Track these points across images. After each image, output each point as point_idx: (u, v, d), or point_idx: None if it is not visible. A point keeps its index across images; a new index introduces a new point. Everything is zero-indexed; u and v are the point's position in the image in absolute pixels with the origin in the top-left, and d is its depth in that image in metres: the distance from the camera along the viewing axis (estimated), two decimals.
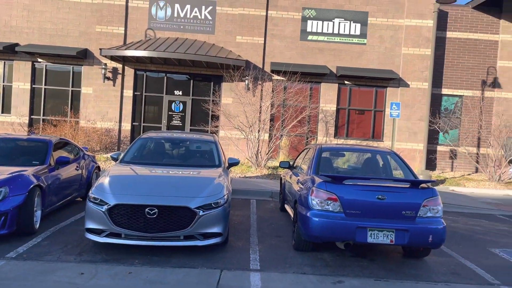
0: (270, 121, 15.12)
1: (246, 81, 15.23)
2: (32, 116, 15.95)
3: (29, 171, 5.86)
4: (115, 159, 6.65)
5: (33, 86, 15.91)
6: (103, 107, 15.74)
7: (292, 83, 14.60)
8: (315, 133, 16.11)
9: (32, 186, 5.59)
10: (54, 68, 16.02)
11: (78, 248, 5.29)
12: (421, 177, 12.38)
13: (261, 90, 15.57)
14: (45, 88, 15.98)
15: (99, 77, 15.67)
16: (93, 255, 5.06)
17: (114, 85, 15.82)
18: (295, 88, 14.75)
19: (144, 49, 14.23)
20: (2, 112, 15.97)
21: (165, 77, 16.12)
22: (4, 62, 15.89)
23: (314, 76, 15.69)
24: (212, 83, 16.09)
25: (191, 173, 6.06)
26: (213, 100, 15.40)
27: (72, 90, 16.01)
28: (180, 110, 16.11)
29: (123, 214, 4.98)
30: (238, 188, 9.96)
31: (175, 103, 16.10)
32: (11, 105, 15.87)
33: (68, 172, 7.09)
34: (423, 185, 5.34)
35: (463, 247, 6.46)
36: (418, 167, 14.43)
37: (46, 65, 15.90)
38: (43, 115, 15.88)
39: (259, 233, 6.55)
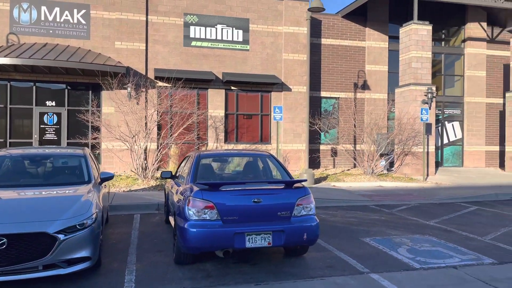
0: (157, 130, 14.57)
1: (128, 89, 14.45)
2: None
3: None
4: None
5: None
6: None
7: (177, 89, 14.26)
8: (205, 139, 15.97)
9: None
10: None
11: None
12: (304, 176, 13.01)
13: (145, 97, 14.94)
14: None
15: None
16: None
17: None
18: (181, 95, 14.44)
19: (5, 56, 12.62)
20: None
21: (34, 87, 14.52)
22: None
23: (200, 82, 15.56)
24: (90, 91, 14.95)
25: (53, 192, 5.40)
26: (92, 110, 14.27)
27: None
28: (54, 122, 14.64)
29: None
30: (120, 203, 9.32)
31: (47, 115, 14.58)
32: None
33: None
34: (297, 184, 5.50)
35: (339, 240, 6.83)
36: (303, 166, 15.19)
37: None
38: None
39: (138, 251, 6.12)
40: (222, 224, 4.92)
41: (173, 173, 7.40)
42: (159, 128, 14.78)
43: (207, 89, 15.96)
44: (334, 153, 17.81)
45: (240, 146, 16.24)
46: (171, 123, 14.37)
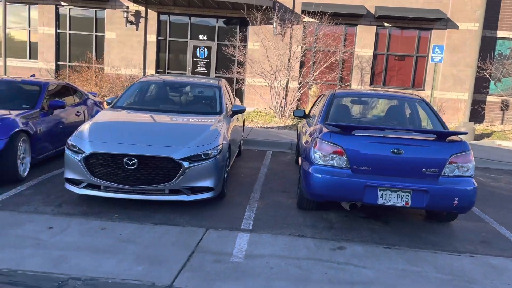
0: (299, 68, 14.07)
1: (274, 24, 14.07)
2: (58, 62, 15.77)
3: (14, 115, 5.45)
4: (109, 104, 6.12)
5: (58, 31, 15.61)
6: (127, 53, 15.28)
7: (322, 24, 13.30)
8: (348, 80, 14.91)
9: (14, 131, 5.19)
10: (78, 12, 15.56)
11: (60, 199, 4.91)
12: (462, 130, 11.14)
13: (290, 33, 14.38)
14: (69, 33, 15.65)
15: (122, 21, 15.08)
16: (73, 208, 4.66)
17: (137, 30, 15.21)
18: (328, 31, 13.47)
19: None
20: (30, 58, 15.91)
21: (189, 21, 15.26)
22: (29, 6, 15.60)
23: (349, 18, 14.25)
24: (238, 26, 15.06)
25: (185, 120, 5.42)
26: (238, 45, 14.42)
27: (96, 35, 15.58)
28: (205, 56, 15.34)
29: (101, 164, 4.48)
30: (255, 139, 9.32)
31: (199, 48, 15.32)
32: (38, 51, 15.74)
33: (66, 117, 6.68)
34: (452, 137, 4.41)
35: (500, 211, 5.54)
36: (461, 119, 13.07)
37: (69, 9, 15.44)
38: (69, 61, 15.66)
39: (264, 188, 5.94)
40: (351, 174, 4.26)
41: (306, 113, 6.89)
42: (301, 66, 14.25)
43: (356, 25, 14.57)
44: (505, 106, 14.85)
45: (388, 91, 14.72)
46: (314, 61, 13.65)
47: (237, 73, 14.16)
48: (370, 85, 14.87)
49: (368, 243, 4.19)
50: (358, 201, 4.32)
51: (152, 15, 15.16)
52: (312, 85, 13.69)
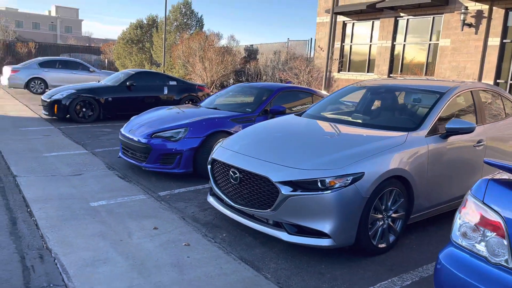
0: None
1: None
2: (390, 75, 15.61)
3: (223, 116, 5.79)
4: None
5: (394, 43, 15.43)
6: (460, 61, 13.12)
7: None
8: None
9: (211, 131, 5.49)
10: (415, 22, 14.78)
11: None
12: None
13: None
14: (404, 45, 15.14)
15: (458, 26, 13.08)
16: (208, 215, 4.39)
17: (476, 33, 12.74)
18: None
19: None
20: (368, 72, 16.60)
21: None
22: (372, 22, 16.27)
23: None
24: None
25: (345, 133, 3.92)
26: None
27: (429, 44, 14.28)
28: None
29: (218, 173, 3.98)
30: None
31: None
32: (374, 64, 16.20)
33: None
34: None
35: None
36: None
37: (407, 19, 14.92)
38: (400, 72, 15.17)
39: None
40: None
41: None
42: None
43: None
44: None
45: None
46: None
47: None
48: None
49: None
50: None
51: (498, 13, 12.22)
52: None
